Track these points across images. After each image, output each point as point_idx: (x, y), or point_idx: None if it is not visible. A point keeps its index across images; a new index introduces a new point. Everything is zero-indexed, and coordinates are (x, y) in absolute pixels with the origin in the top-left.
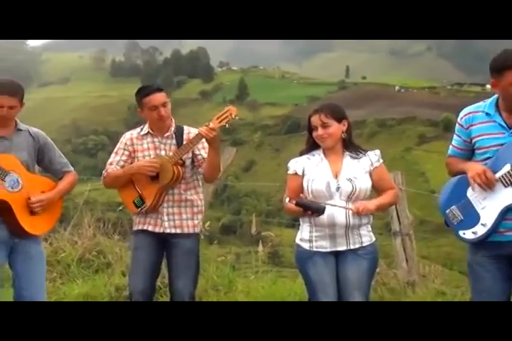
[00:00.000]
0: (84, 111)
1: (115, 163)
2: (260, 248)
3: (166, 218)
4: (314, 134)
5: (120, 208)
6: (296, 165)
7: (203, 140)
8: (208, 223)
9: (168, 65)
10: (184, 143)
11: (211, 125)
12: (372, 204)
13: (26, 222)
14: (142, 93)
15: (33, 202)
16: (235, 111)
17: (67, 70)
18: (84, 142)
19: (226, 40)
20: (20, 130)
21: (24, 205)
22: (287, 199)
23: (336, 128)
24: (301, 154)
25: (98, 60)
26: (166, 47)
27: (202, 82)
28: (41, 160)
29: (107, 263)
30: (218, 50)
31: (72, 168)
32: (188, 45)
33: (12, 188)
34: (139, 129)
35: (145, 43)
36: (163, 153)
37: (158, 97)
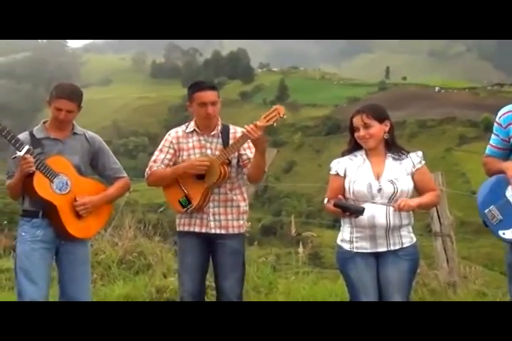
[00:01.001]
0: (124, 113)
1: (159, 161)
2: (301, 249)
3: (211, 218)
4: (356, 135)
5: (161, 209)
6: (338, 165)
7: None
8: (248, 224)
9: (209, 66)
10: (230, 142)
11: (257, 124)
12: (414, 201)
13: (71, 225)
14: (195, 88)
15: (78, 205)
16: (283, 111)
17: (107, 72)
18: (125, 143)
19: (266, 41)
20: (76, 134)
21: (71, 208)
22: (326, 200)
23: (378, 129)
24: (343, 155)
25: (138, 61)
26: (206, 49)
27: (242, 83)
28: (95, 164)
29: (148, 265)
30: (258, 51)
31: (125, 174)
32: (228, 46)
33: (60, 190)
34: (184, 127)
35: (185, 44)
36: (208, 152)
37: (209, 95)
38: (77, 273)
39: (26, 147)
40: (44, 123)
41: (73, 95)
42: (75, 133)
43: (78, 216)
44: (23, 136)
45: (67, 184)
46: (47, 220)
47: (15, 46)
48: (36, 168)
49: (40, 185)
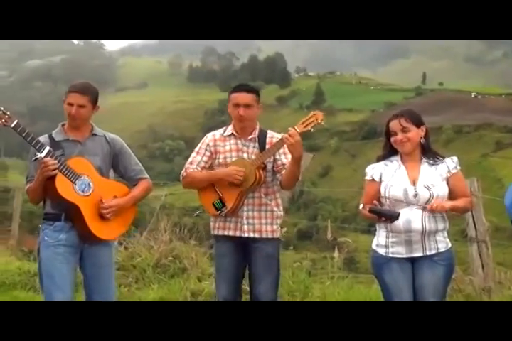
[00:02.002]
0: (160, 116)
1: (196, 163)
2: (336, 254)
3: (245, 222)
4: (393, 139)
5: (196, 213)
6: (373, 171)
7: (285, 145)
8: (284, 228)
9: (245, 71)
10: (267, 147)
11: (292, 130)
12: (447, 203)
13: (95, 227)
14: (232, 89)
15: (104, 208)
16: (321, 116)
17: (144, 75)
18: (161, 147)
19: (303, 46)
20: (96, 135)
21: (94, 209)
22: (361, 206)
23: (415, 133)
24: (378, 160)
25: (175, 64)
26: (243, 53)
27: (278, 88)
28: (116, 166)
29: (183, 268)
30: (295, 56)
31: (147, 175)
32: (265, 51)
33: (83, 192)
34: (222, 130)
35: (222, 48)
36: (245, 155)
37: (243, 96)
38: (102, 276)
39: (47, 149)
40: (62, 125)
41: (84, 89)
42: (94, 135)
43: (102, 217)
44: (43, 138)
45: (89, 185)
46: (69, 223)
47: (52, 49)
48: (58, 170)
49: (63, 186)
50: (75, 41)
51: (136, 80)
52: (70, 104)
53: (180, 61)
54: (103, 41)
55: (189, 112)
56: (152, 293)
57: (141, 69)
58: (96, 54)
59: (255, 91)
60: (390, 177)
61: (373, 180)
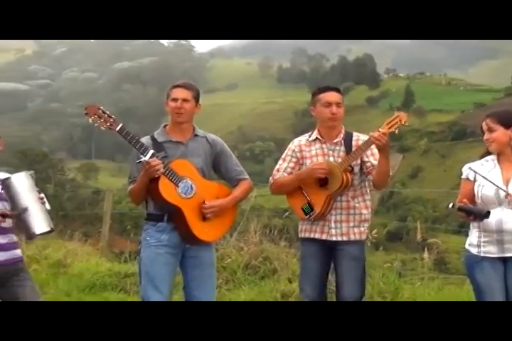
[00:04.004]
0: (250, 118)
1: (282, 169)
2: (426, 254)
3: (333, 225)
4: (484, 139)
5: (286, 214)
6: (468, 170)
7: (372, 146)
8: (374, 230)
9: (335, 72)
10: (353, 149)
11: (381, 131)
12: None
13: (198, 229)
14: (320, 90)
15: (206, 208)
16: (405, 118)
17: (234, 77)
18: (251, 148)
19: (393, 47)
20: (198, 136)
21: (196, 211)
22: (450, 205)
23: (501, 134)
24: (481, 158)
25: (265, 66)
26: (333, 54)
27: (368, 89)
28: (217, 167)
29: (273, 270)
30: (384, 57)
31: (247, 176)
32: (354, 52)
33: (185, 194)
34: (307, 135)
35: (311, 49)
36: (331, 159)
37: (334, 95)
38: (203, 277)
39: (151, 152)
40: (164, 127)
41: (188, 84)
42: (196, 136)
43: (204, 219)
44: (145, 140)
45: (191, 188)
46: (172, 224)
47: (142, 51)
48: (161, 173)
49: (166, 189)
50: (165, 43)
51: (226, 82)
52: (175, 100)
53: (270, 62)
54: (193, 43)
55: (279, 113)
56: (243, 295)
57: (231, 70)
58: (186, 56)
59: (340, 91)
60: (484, 176)
61: (468, 179)
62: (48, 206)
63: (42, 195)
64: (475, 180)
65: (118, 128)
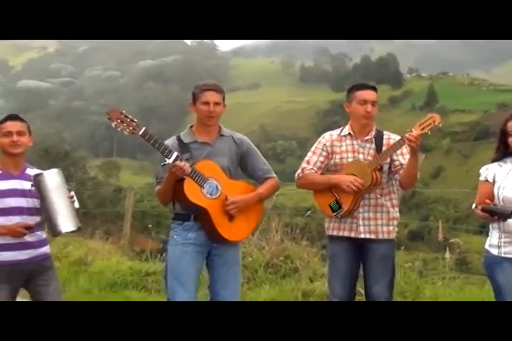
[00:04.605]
0: (272, 117)
1: (312, 162)
2: (447, 254)
3: (361, 223)
4: (510, 139)
5: (308, 213)
6: (487, 172)
7: (403, 146)
8: (396, 229)
9: (358, 71)
10: (383, 148)
11: (414, 132)
12: None
13: (223, 228)
14: (357, 87)
15: (229, 204)
16: (439, 119)
17: (256, 75)
18: (273, 147)
19: (415, 47)
20: (224, 136)
21: (222, 212)
22: (473, 205)
23: None
24: (493, 161)
25: (287, 65)
26: (355, 53)
27: (391, 88)
28: (244, 166)
29: (295, 269)
30: (407, 57)
31: (274, 175)
32: (377, 51)
33: (211, 195)
34: (338, 130)
35: (334, 49)
36: (361, 156)
37: (371, 94)
38: (228, 275)
39: (175, 154)
40: (191, 127)
41: (217, 87)
42: (222, 135)
43: (230, 219)
44: (171, 141)
45: (217, 188)
46: (199, 223)
47: (164, 49)
48: (186, 174)
49: (191, 190)
50: (188, 42)
51: (249, 81)
52: (206, 103)
53: (292, 61)
54: (216, 42)
55: (301, 113)
56: (263, 294)
57: (254, 69)
58: (208, 55)
59: (376, 89)
60: (503, 178)
61: (487, 180)
62: (77, 204)
63: (72, 193)
64: (494, 182)
65: (141, 132)
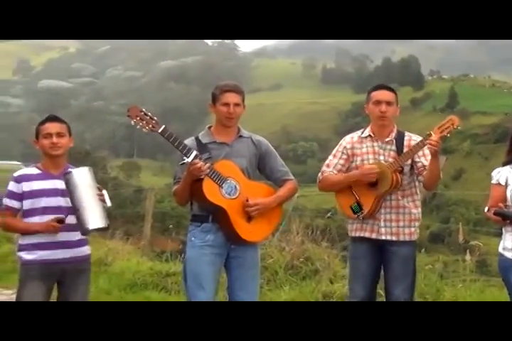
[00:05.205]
0: (294, 118)
1: (332, 165)
2: (468, 256)
3: (382, 224)
4: None
5: (328, 215)
6: (498, 175)
7: (423, 147)
8: (417, 231)
9: (379, 73)
10: (404, 149)
11: (433, 136)
12: None
13: (242, 229)
14: (373, 88)
15: (250, 205)
16: (457, 122)
17: (278, 77)
18: (294, 148)
19: (437, 48)
20: (242, 136)
21: (241, 212)
22: (486, 209)
23: None
24: (504, 164)
25: (309, 66)
26: (377, 55)
27: (412, 90)
28: (262, 168)
29: (315, 270)
30: (429, 58)
31: (292, 177)
32: (398, 53)
33: (229, 195)
34: (359, 132)
35: (355, 50)
36: (381, 158)
37: (385, 94)
38: (247, 277)
39: (194, 153)
40: (209, 128)
41: (237, 88)
42: (240, 136)
43: (249, 220)
44: (190, 141)
45: (236, 188)
46: (217, 225)
47: (186, 49)
48: (205, 174)
49: (210, 190)
50: (209, 42)
51: (270, 82)
52: (226, 104)
53: (314, 63)
54: (237, 42)
55: (323, 114)
56: (284, 295)
57: (275, 70)
58: (230, 55)
59: (395, 92)
60: None
61: (499, 184)
62: (109, 203)
63: (103, 191)
64: (507, 185)
65: (160, 130)
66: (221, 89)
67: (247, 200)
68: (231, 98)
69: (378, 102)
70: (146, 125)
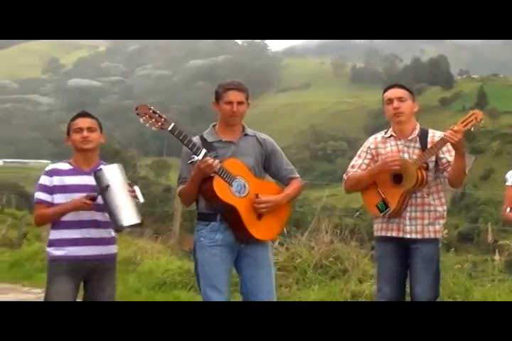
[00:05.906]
0: (322, 117)
1: (357, 166)
2: (497, 256)
3: (408, 222)
4: None
5: (357, 214)
6: None
7: (448, 143)
8: (445, 230)
9: (408, 72)
10: (428, 146)
11: (456, 128)
12: None
13: (253, 227)
14: (383, 90)
15: (261, 202)
16: (481, 115)
17: (307, 76)
18: (323, 148)
19: (466, 48)
20: (248, 135)
21: (251, 210)
22: (508, 209)
23: None
24: None
25: (338, 66)
26: (406, 55)
27: (441, 90)
28: (268, 167)
29: (344, 270)
30: (458, 58)
31: (297, 175)
32: (428, 53)
33: (239, 193)
34: (383, 132)
35: (385, 50)
36: (406, 156)
37: (394, 91)
38: (260, 277)
39: (203, 151)
40: (214, 126)
41: (240, 86)
42: (246, 135)
43: (259, 218)
44: (195, 140)
45: (245, 187)
46: (225, 223)
47: (215, 49)
48: (214, 172)
49: (220, 188)
50: (239, 42)
51: (300, 81)
52: (229, 102)
53: (343, 62)
54: (267, 42)
55: (352, 113)
56: (313, 294)
57: (305, 69)
58: (259, 54)
59: (407, 89)
60: None
61: None
62: (141, 199)
63: (135, 187)
64: None
65: (170, 128)
66: (224, 88)
67: (257, 196)
68: (234, 96)
69: (390, 100)
70: (155, 123)
